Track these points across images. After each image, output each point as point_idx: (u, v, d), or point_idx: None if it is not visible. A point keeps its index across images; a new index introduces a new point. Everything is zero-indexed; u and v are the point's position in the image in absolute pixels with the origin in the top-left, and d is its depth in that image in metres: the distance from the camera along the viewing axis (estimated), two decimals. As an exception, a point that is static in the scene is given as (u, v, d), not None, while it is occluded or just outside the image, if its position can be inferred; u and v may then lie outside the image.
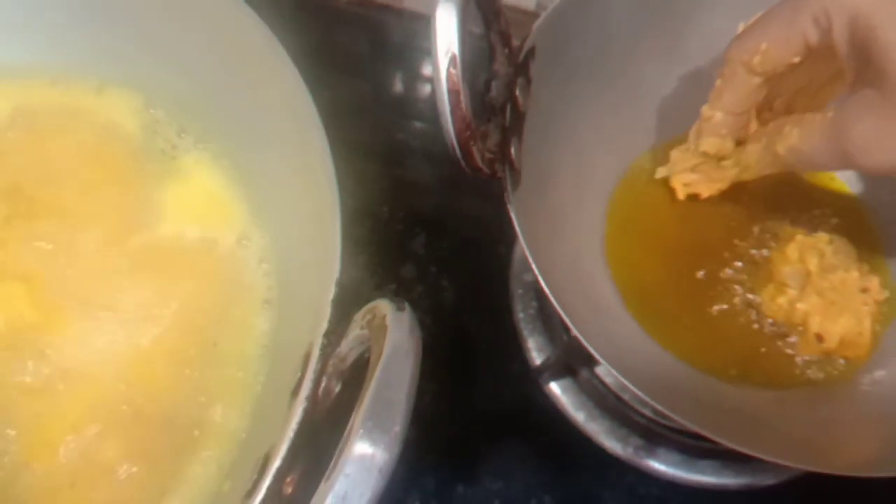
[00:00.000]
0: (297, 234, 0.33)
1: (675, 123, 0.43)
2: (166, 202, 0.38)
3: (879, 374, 0.38)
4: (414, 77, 0.56)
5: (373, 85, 0.55)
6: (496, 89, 0.36)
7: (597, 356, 0.31)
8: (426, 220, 0.50)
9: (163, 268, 0.36)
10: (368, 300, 0.27)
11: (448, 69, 0.29)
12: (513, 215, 0.33)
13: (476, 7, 0.34)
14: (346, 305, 0.27)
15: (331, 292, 0.26)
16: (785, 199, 0.42)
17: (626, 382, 0.31)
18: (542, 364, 0.44)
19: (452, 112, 0.29)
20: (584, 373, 0.44)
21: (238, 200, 0.37)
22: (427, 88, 0.55)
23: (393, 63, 0.56)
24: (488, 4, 0.34)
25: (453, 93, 0.29)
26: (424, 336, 0.46)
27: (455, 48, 0.29)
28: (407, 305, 0.24)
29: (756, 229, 0.42)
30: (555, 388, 0.44)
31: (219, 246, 0.36)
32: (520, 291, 0.46)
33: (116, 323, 0.34)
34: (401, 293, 0.48)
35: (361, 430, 0.18)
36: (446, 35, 0.29)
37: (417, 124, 0.54)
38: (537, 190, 0.39)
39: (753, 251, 0.41)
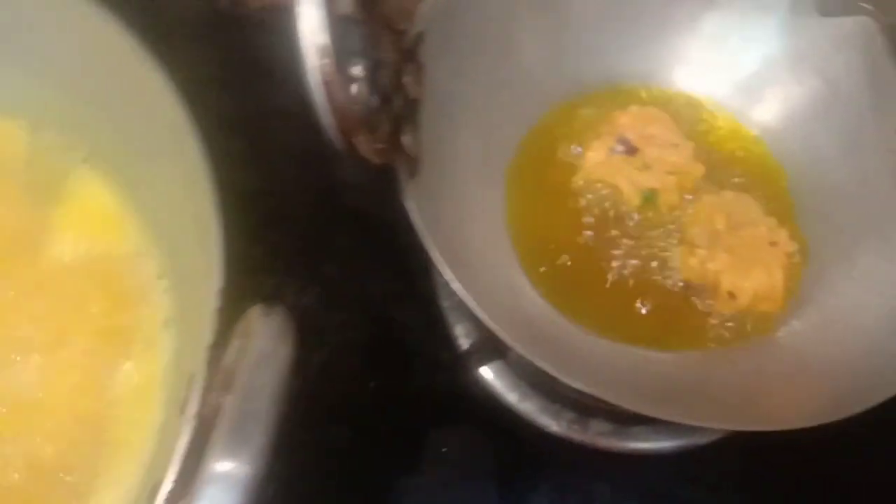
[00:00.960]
0: (189, 247, 0.31)
1: (566, 90, 0.43)
2: (58, 223, 0.36)
3: (795, 325, 0.39)
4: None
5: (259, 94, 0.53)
6: (384, 77, 0.35)
7: (508, 341, 0.31)
8: (344, 214, 0.49)
9: (59, 290, 0.34)
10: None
11: (318, 60, 0.28)
12: (408, 206, 0.33)
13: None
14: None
15: (213, 304, 0.25)
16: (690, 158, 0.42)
17: (541, 364, 0.31)
18: (470, 348, 0.44)
19: (328, 104, 0.29)
20: (512, 354, 0.43)
21: (131, 216, 0.36)
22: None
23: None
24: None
25: (327, 84, 0.28)
26: (352, 333, 0.46)
27: (323, 37, 0.28)
28: (280, 310, 0.23)
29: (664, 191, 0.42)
30: (486, 371, 0.44)
31: (115, 264, 0.35)
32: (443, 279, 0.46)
33: (11, 347, 0.33)
34: (325, 292, 0.47)
35: (220, 446, 0.18)
36: (312, 24, 0.28)
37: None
38: (442, 175, 0.39)
39: (662, 214, 0.41)
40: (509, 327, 0.33)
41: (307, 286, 0.48)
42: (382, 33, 0.35)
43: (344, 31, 0.30)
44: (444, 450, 0.44)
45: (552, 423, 0.43)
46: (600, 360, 0.37)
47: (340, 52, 0.29)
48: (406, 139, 0.35)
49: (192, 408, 0.24)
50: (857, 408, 0.31)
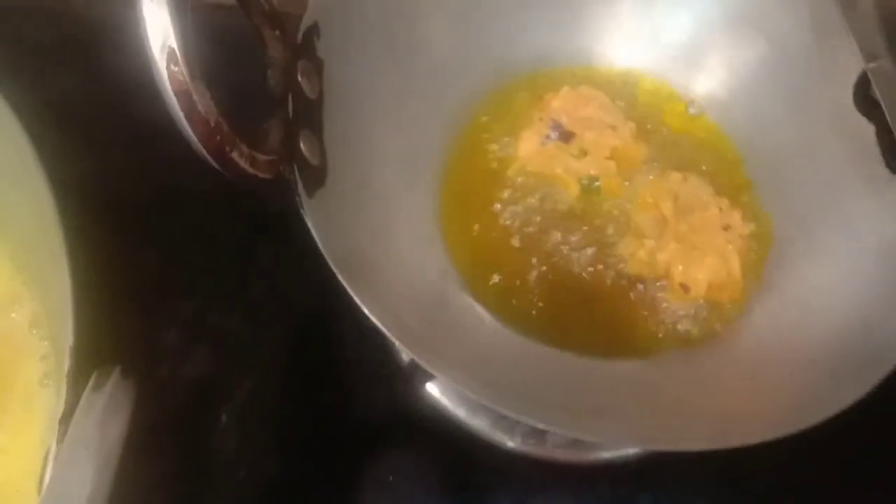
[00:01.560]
0: (57, 293, 0.27)
1: (492, 77, 0.39)
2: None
3: (756, 316, 0.35)
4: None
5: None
6: (273, 78, 0.31)
7: (428, 368, 0.27)
8: (265, 230, 0.45)
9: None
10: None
11: (168, 67, 0.24)
12: (308, 221, 0.29)
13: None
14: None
15: (65, 365, 0.21)
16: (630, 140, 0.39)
17: (471, 393, 0.27)
18: (411, 362, 0.40)
19: (187, 117, 0.24)
20: (456, 367, 0.40)
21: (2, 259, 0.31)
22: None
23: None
24: (235, -19, 0.29)
25: (181, 94, 0.24)
26: (282, 354, 0.43)
27: (172, 40, 0.24)
28: (112, 378, 0.19)
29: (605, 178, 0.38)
30: (430, 386, 0.41)
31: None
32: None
33: None
34: (251, 315, 0.43)
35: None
36: (158, 25, 0.24)
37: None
38: (359, 181, 0.35)
39: (604, 203, 0.38)
40: (434, 347, 0.29)
41: (231, 308, 0.44)
42: (266, 30, 0.31)
43: (208, 26, 0.26)
44: (389, 477, 0.40)
45: (506, 438, 0.39)
46: (544, 376, 0.34)
47: (192, 55, 0.24)
48: (303, 146, 0.31)
49: (44, 486, 0.20)
50: (828, 411, 0.28)
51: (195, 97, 0.24)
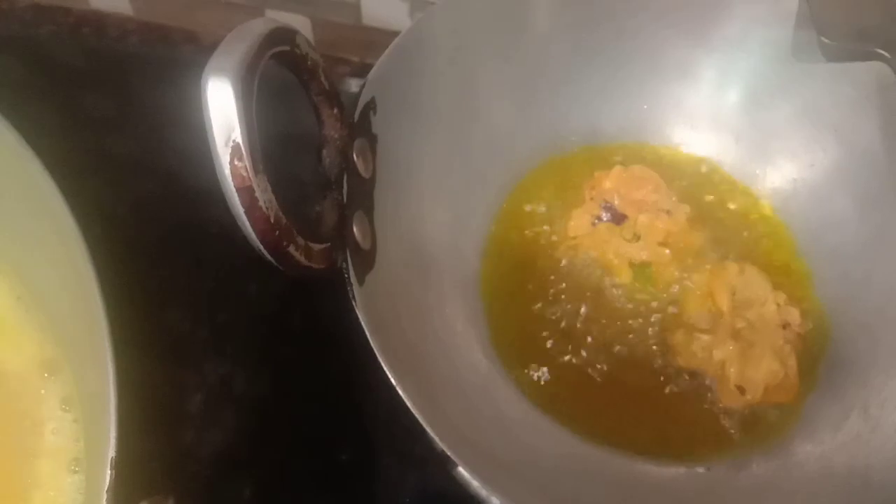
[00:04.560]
0: (97, 369, 0.26)
1: (543, 151, 0.37)
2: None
3: (815, 422, 0.33)
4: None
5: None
6: (328, 157, 0.30)
7: (464, 466, 0.26)
8: (298, 290, 0.44)
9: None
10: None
11: (232, 163, 0.23)
12: (359, 313, 0.27)
13: (285, 66, 0.28)
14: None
15: (105, 480, 0.20)
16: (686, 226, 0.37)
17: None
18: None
19: (248, 214, 0.23)
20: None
21: (32, 323, 0.30)
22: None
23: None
24: (298, 61, 0.28)
25: (244, 190, 0.23)
26: (310, 426, 0.41)
27: (238, 134, 0.23)
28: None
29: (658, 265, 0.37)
30: (463, 471, 0.39)
31: (11, 382, 0.29)
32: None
33: None
34: (278, 382, 0.42)
35: None
36: (224, 119, 0.23)
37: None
38: (405, 259, 0.33)
39: (657, 292, 0.36)
40: (479, 448, 0.28)
41: (259, 372, 0.43)
42: (324, 108, 0.30)
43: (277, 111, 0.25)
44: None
45: (542, 527, 0.38)
46: (593, 473, 0.32)
47: (256, 147, 0.23)
48: (356, 231, 0.29)
49: None
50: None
51: (257, 193, 0.23)
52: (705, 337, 0.34)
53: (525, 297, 0.36)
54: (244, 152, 0.23)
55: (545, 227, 0.38)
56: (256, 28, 0.25)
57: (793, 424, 0.34)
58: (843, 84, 0.37)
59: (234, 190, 0.23)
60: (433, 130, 0.35)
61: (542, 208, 0.38)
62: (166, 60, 0.54)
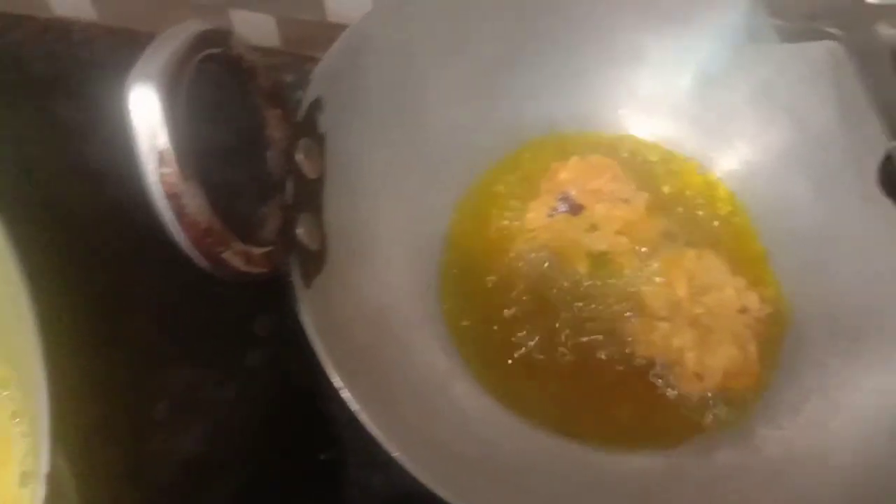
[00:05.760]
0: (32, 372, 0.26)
1: (499, 144, 0.37)
2: None
3: (775, 408, 0.33)
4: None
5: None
6: (272, 159, 0.30)
7: (412, 469, 0.26)
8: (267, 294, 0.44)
9: None
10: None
11: (159, 170, 0.22)
12: (303, 318, 0.27)
13: (221, 67, 0.27)
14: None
15: (41, 497, 0.20)
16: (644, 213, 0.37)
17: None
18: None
19: (178, 221, 0.23)
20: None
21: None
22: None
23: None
24: (233, 62, 0.27)
25: (172, 197, 0.23)
26: (281, 437, 0.41)
27: (164, 141, 0.22)
28: None
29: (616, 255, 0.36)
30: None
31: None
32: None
33: None
34: (246, 384, 0.41)
35: None
36: (149, 126, 0.22)
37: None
38: (359, 258, 0.33)
39: (616, 280, 0.36)
40: (430, 449, 0.28)
41: (226, 379, 0.42)
42: (266, 106, 0.30)
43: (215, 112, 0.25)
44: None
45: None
46: (558, 468, 0.32)
47: (186, 151, 0.23)
48: (301, 231, 0.29)
49: None
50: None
51: (186, 200, 0.23)
52: (664, 324, 0.34)
53: (485, 292, 0.36)
54: (171, 159, 0.23)
55: (505, 222, 0.38)
56: (185, 31, 0.25)
57: (753, 409, 0.34)
58: (797, 64, 0.36)
59: (162, 197, 0.23)
60: (385, 127, 0.35)
61: (501, 202, 0.38)
62: (133, 64, 0.53)
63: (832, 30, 0.34)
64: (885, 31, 0.34)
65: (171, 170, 0.22)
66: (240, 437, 0.40)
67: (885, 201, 0.32)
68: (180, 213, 0.23)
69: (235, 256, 0.25)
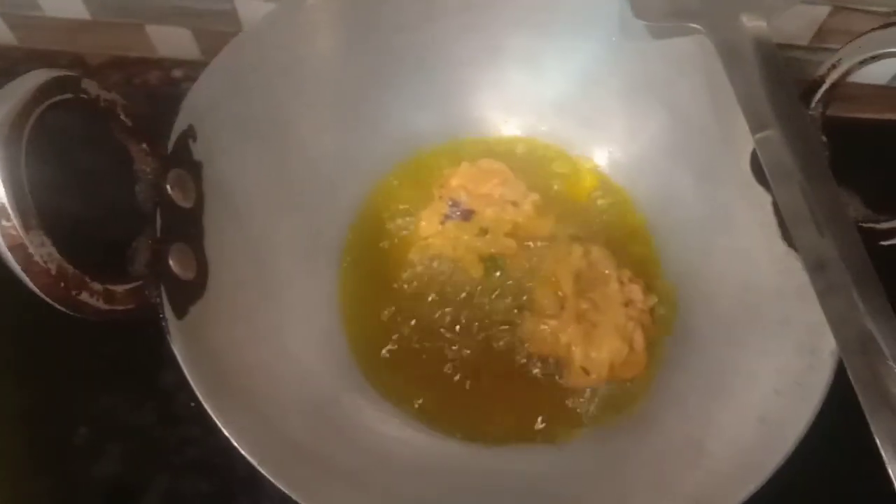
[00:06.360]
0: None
1: (391, 156, 0.38)
2: None
3: (662, 396, 0.34)
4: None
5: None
6: (141, 193, 0.30)
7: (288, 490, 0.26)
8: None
9: None
10: None
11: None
12: (177, 351, 0.28)
13: (76, 112, 0.28)
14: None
15: None
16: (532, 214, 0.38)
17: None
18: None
19: (25, 271, 0.24)
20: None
21: None
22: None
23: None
24: (88, 106, 0.28)
25: (16, 249, 0.23)
26: (197, 451, 0.41)
27: (2, 196, 0.23)
28: None
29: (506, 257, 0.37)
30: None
31: None
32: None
33: None
34: (163, 405, 0.42)
35: None
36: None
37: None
38: (248, 279, 0.34)
39: (509, 282, 0.37)
40: (315, 465, 0.29)
41: (143, 402, 0.43)
42: (130, 142, 0.30)
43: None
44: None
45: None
46: (452, 466, 0.33)
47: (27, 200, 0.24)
48: (173, 263, 0.30)
49: None
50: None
51: (31, 249, 0.24)
52: (552, 322, 0.35)
53: (381, 302, 0.37)
54: (11, 212, 0.23)
55: (403, 232, 0.38)
56: (25, 83, 0.25)
57: (642, 399, 0.35)
58: (670, 59, 0.37)
59: (5, 250, 0.23)
60: (267, 149, 0.36)
61: (397, 212, 0.39)
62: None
63: (693, 24, 0.35)
64: (748, 22, 0.34)
65: (11, 223, 0.23)
66: (160, 457, 0.40)
67: (760, 188, 0.33)
68: (27, 262, 0.24)
69: (94, 297, 0.26)
